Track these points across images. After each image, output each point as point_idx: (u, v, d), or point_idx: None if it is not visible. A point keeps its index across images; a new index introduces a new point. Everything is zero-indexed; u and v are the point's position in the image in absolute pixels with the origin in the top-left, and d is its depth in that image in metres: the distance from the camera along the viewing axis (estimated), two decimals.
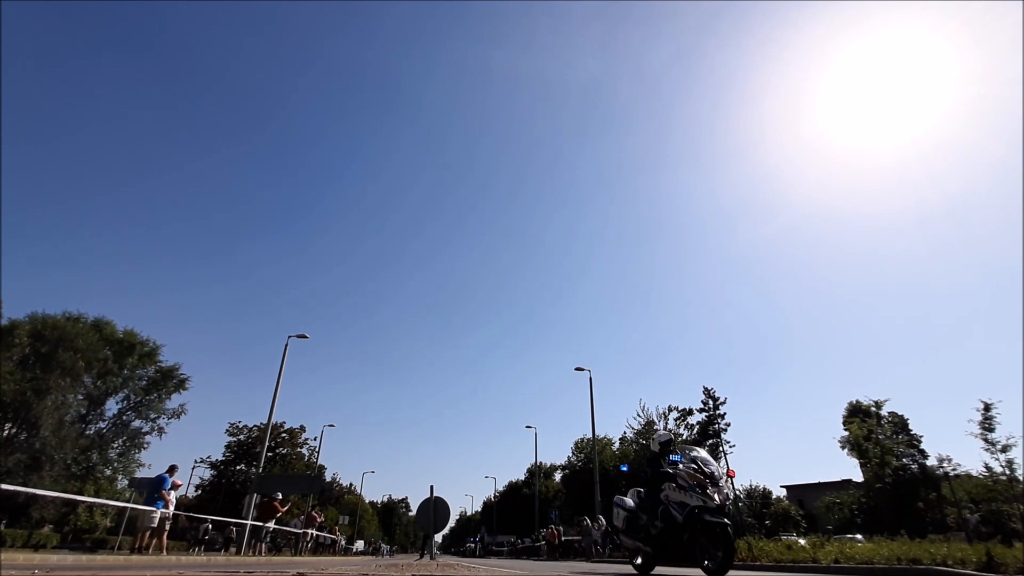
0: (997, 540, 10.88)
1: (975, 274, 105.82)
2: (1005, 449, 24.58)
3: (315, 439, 41.81)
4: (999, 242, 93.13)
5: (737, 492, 36.38)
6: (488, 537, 55.66)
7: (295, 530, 21.76)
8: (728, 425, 34.66)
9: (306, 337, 22.34)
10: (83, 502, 22.43)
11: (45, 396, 24.06)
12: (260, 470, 22.07)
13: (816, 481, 53.78)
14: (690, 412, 34.14)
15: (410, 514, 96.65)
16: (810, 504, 49.20)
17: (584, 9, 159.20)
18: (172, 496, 11.66)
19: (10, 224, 61.50)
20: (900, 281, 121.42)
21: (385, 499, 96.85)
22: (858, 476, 37.63)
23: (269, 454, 37.25)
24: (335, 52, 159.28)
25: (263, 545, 17.58)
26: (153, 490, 11.48)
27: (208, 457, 39.08)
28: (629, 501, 7.15)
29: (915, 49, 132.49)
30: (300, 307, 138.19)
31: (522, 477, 63.00)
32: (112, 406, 29.78)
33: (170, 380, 31.03)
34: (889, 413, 36.76)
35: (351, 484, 68.28)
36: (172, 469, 11.82)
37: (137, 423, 30.38)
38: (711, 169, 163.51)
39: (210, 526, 21.92)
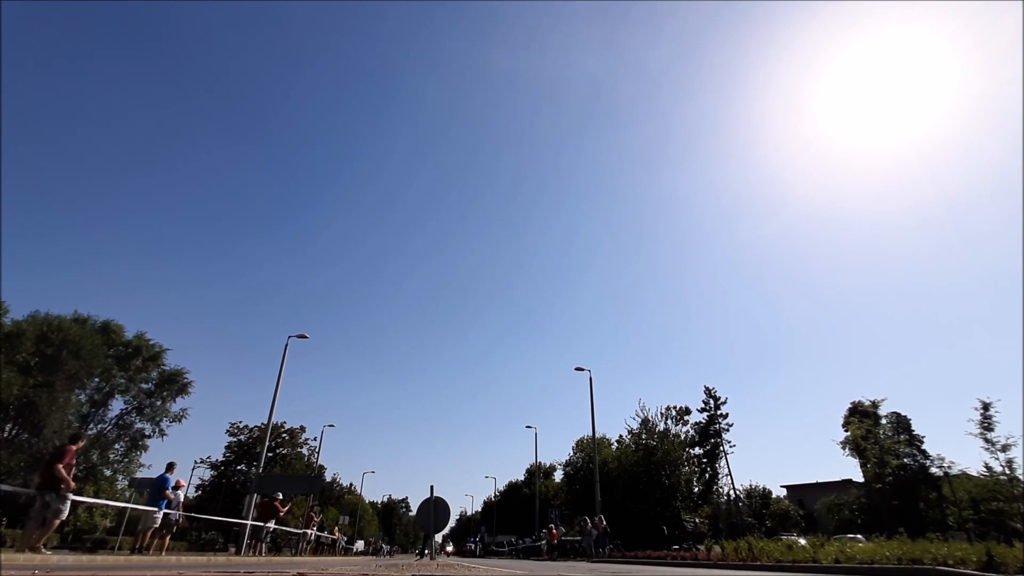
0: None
1: (975, 274, 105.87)
2: (1005, 448, 24.66)
3: (315, 439, 41.82)
4: (999, 242, 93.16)
5: (737, 492, 36.28)
6: (488, 537, 55.64)
7: (295, 530, 21.77)
8: (730, 425, 34.58)
9: (306, 337, 22.36)
10: (83, 502, 22.40)
11: (48, 398, 24.03)
12: (260, 470, 22.06)
13: (816, 481, 53.80)
14: (693, 416, 33.99)
15: (410, 514, 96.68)
16: (810, 504, 49.20)
17: (584, 9, 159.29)
18: (179, 495, 11.55)
19: (11, 224, 61.58)
20: (900, 281, 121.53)
21: (385, 499, 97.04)
22: (858, 476, 37.59)
23: (269, 454, 37.20)
24: (335, 50, 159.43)
25: (263, 545, 17.60)
26: (155, 490, 11.45)
27: (208, 457, 39.08)
28: None
29: (915, 49, 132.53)
30: (300, 307, 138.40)
31: (522, 477, 63.05)
32: (115, 407, 29.81)
33: (174, 384, 31.01)
34: (891, 413, 36.70)
35: (351, 484, 68.33)
36: (171, 467, 11.67)
37: (139, 425, 30.39)
38: (711, 169, 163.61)
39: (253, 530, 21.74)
